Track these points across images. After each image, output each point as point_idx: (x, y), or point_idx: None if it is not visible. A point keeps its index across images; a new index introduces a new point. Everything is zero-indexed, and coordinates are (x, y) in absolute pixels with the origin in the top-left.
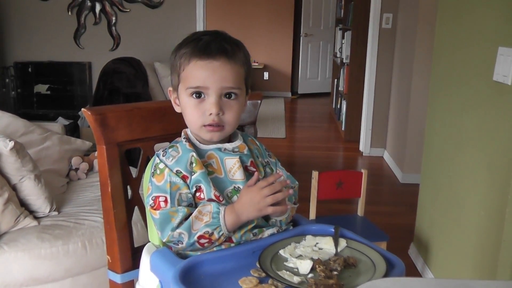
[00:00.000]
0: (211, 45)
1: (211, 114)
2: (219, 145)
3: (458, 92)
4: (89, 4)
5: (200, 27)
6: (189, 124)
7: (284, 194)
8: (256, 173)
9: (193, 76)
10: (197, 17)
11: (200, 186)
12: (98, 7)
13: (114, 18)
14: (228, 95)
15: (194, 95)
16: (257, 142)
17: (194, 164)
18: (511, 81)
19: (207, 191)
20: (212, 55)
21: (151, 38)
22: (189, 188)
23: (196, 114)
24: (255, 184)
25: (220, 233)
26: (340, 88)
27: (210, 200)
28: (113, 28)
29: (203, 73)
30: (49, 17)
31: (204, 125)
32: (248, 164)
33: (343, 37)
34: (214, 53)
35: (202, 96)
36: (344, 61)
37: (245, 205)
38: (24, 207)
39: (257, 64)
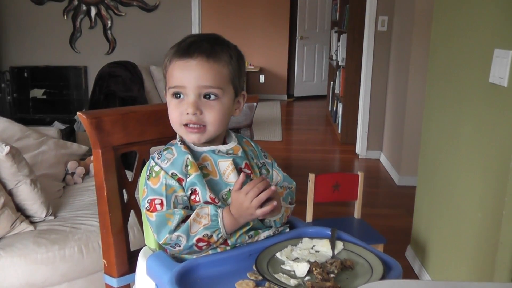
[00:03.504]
0: (192, 45)
1: (188, 114)
2: (213, 147)
3: (454, 94)
4: (84, 8)
5: (195, 30)
6: (172, 124)
7: (267, 193)
8: (241, 176)
9: (172, 75)
10: (192, 20)
11: (195, 189)
12: (93, 11)
13: (109, 22)
14: (208, 95)
15: (175, 96)
16: (252, 144)
17: (189, 167)
18: (507, 83)
19: (202, 194)
20: (189, 54)
21: (147, 42)
22: (184, 191)
23: (175, 114)
24: (241, 188)
25: (219, 236)
26: (336, 91)
27: (206, 203)
28: (109, 32)
29: (180, 72)
30: (45, 21)
31: (183, 125)
32: (243, 166)
33: (338, 40)
34: (192, 52)
35: (182, 96)
36: (340, 64)
37: (238, 210)
38: (20, 212)
39: (253, 67)
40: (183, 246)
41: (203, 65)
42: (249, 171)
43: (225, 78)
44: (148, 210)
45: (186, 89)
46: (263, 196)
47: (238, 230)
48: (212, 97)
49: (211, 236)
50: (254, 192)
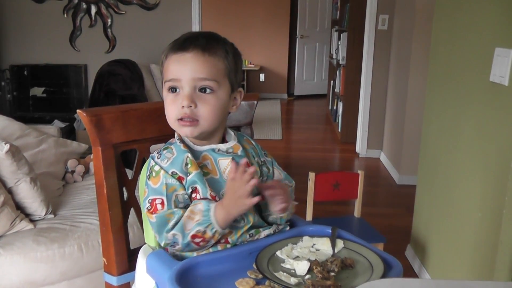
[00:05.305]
0: (187, 40)
1: (183, 107)
2: (213, 146)
3: (455, 93)
4: (84, 6)
5: (196, 28)
6: (168, 120)
7: (256, 180)
8: (232, 164)
9: (168, 69)
10: (193, 18)
11: (196, 187)
12: (93, 10)
13: (109, 20)
14: (203, 89)
15: (170, 90)
16: (252, 142)
17: (189, 165)
18: (508, 82)
19: (203, 192)
20: (185, 48)
21: (147, 40)
22: (185, 189)
23: (171, 108)
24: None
25: (213, 231)
26: (336, 90)
27: (204, 199)
28: (109, 30)
29: (176, 65)
30: (45, 19)
31: (178, 119)
32: None
33: (339, 39)
34: (187, 46)
35: (177, 90)
36: (340, 63)
37: (231, 198)
38: (20, 210)
39: (253, 65)
40: (180, 244)
41: (198, 58)
42: None
43: (220, 72)
44: (149, 210)
45: (181, 82)
46: (254, 181)
47: (239, 229)
48: (208, 90)
49: (205, 231)
50: (248, 175)
